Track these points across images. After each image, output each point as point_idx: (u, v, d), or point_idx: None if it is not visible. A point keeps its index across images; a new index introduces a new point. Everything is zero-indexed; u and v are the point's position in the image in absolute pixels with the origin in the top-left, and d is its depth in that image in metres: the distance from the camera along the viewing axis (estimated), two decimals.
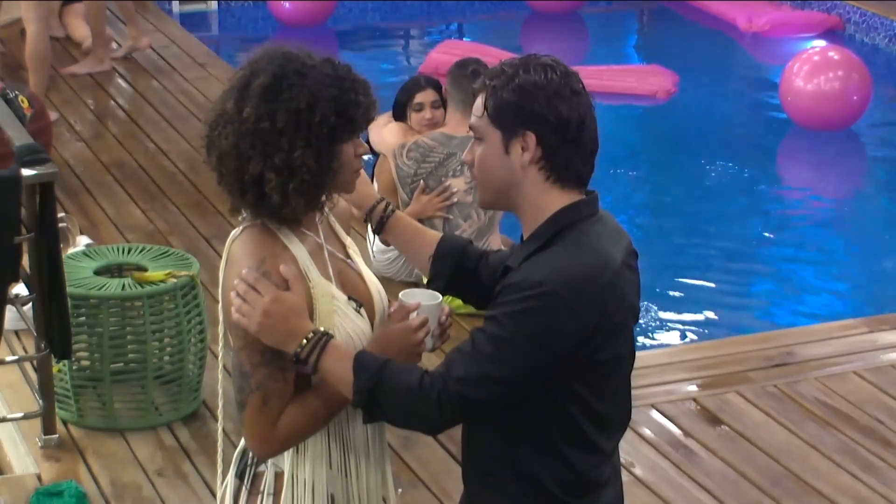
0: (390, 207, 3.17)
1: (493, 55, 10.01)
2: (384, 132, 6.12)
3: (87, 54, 9.56)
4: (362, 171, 3.10)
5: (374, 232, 3.22)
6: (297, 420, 2.89)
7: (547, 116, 2.83)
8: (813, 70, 9.14)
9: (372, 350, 2.90)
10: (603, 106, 9.48)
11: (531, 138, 2.85)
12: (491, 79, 2.89)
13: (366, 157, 3.02)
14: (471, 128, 2.94)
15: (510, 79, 2.86)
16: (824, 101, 9.07)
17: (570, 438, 2.89)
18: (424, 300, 2.96)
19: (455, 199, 5.96)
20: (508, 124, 2.85)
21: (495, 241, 6.05)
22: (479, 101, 2.91)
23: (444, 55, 10.14)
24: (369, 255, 6.06)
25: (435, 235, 3.17)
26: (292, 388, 2.90)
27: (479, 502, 3.02)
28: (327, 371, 2.84)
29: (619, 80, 9.99)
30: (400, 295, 2.99)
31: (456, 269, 3.10)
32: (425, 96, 6.25)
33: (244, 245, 2.91)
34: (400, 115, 6.27)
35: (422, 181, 5.97)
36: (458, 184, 5.96)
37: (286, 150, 2.84)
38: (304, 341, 2.83)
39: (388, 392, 2.80)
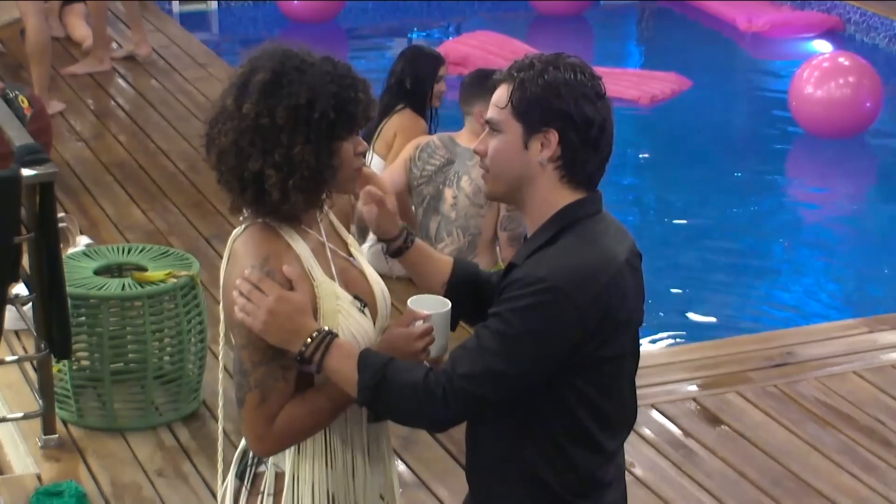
0: (411, 239, 3.14)
1: (508, 47, 10.02)
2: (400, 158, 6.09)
3: (87, 54, 9.57)
4: (395, 204, 3.08)
5: (388, 254, 3.16)
6: (296, 418, 2.89)
7: (572, 115, 2.84)
8: (823, 77, 9.06)
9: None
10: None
11: (553, 136, 2.85)
12: (518, 71, 2.88)
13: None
14: (488, 120, 2.92)
15: (539, 74, 2.85)
16: (836, 108, 9.01)
17: (574, 438, 2.89)
18: (433, 308, 2.95)
19: None
20: (532, 119, 2.85)
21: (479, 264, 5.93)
22: (503, 92, 2.89)
23: (460, 45, 10.20)
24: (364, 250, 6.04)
25: (448, 261, 3.15)
26: (292, 386, 2.89)
27: (483, 501, 3.02)
28: (332, 370, 2.84)
29: (610, 84, 9.96)
30: (409, 302, 2.98)
31: (474, 294, 3.08)
32: (444, 69, 6.30)
33: (247, 243, 2.91)
34: (420, 92, 6.16)
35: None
36: (448, 195, 5.93)
37: (285, 146, 2.83)
38: (309, 340, 2.82)
39: (392, 389, 2.80)
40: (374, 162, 6.23)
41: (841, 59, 9.32)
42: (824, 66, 9.21)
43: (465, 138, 5.93)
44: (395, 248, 3.10)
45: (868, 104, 9.07)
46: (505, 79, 2.90)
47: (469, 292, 3.05)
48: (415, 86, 6.20)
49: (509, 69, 2.91)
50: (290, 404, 2.88)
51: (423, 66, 6.17)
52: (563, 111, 2.83)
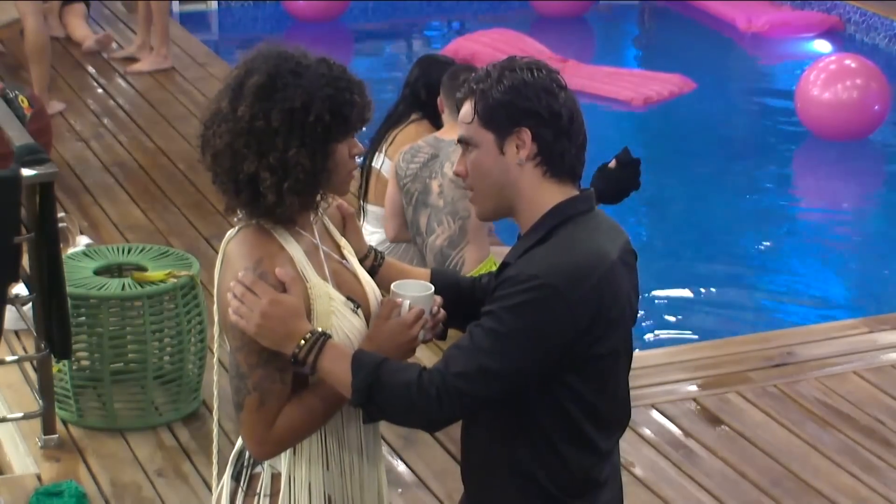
0: (381, 256, 3.19)
1: (520, 45, 10.03)
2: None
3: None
4: (357, 225, 3.14)
5: None
6: (294, 420, 2.89)
7: (539, 111, 2.86)
8: (831, 79, 9.00)
9: (367, 347, 2.89)
10: (605, 108, 9.52)
11: (526, 134, 2.86)
12: (477, 83, 2.91)
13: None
14: (460, 139, 2.94)
15: (498, 80, 2.88)
16: (843, 110, 8.97)
17: (568, 437, 2.89)
18: (416, 292, 2.96)
19: None
20: (501, 124, 2.87)
21: (469, 255, 5.92)
22: (468, 108, 2.92)
23: (470, 42, 10.22)
24: None
25: (424, 273, 3.16)
26: (289, 388, 2.90)
27: (477, 501, 3.03)
28: (325, 371, 2.84)
29: (603, 83, 9.92)
30: (392, 286, 2.98)
31: (454, 301, 3.07)
32: None
33: (240, 245, 2.91)
34: (435, 100, 6.14)
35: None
36: (434, 185, 5.95)
37: (281, 149, 2.84)
38: (302, 342, 2.82)
39: (386, 389, 2.80)
40: (385, 167, 6.24)
41: (848, 62, 9.25)
42: (832, 68, 9.15)
43: (446, 132, 5.95)
44: (366, 267, 3.12)
45: (876, 107, 9.02)
46: (466, 95, 2.93)
47: (450, 299, 3.05)
48: (429, 95, 6.20)
49: (468, 84, 2.93)
50: (287, 406, 2.89)
51: (437, 74, 6.17)
52: (530, 109, 2.86)
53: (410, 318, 2.91)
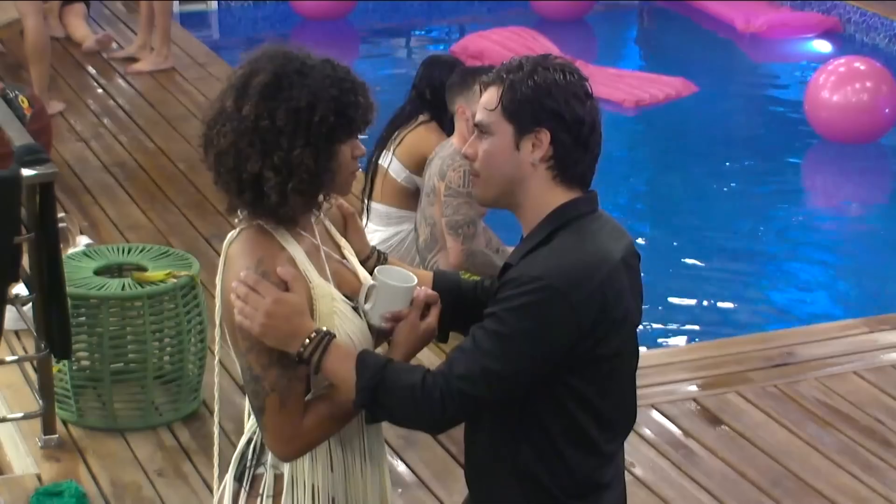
0: (383, 257, 3.19)
1: (533, 44, 10.02)
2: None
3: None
4: (359, 224, 3.14)
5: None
6: (323, 418, 2.88)
7: (563, 115, 2.84)
8: (840, 81, 8.93)
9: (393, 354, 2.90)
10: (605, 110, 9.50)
11: (545, 136, 2.85)
12: (507, 73, 2.88)
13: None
14: (477, 124, 2.92)
15: (529, 75, 2.86)
16: (854, 113, 8.91)
17: (571, 439, 2.89)
18: (398, 280, 2.95)
19: None
20: (523, 120, 2.85)
21: (443, 261, 5.91)
22: (493, 94, 2.89)
23: (481, 39, 10.21)
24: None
25: (426, 275, 3.16)
26: (305, 384, 2.89)
27: (481, 502, 3.02)
28: (330, 371, 2.84)
29: (602, 84, 9.90)
30: (375, 270, 2.98)
31: (456, 303, 3.07)
32: None
33: (241, 246, 2.91)
34: (439, 100, 6.13)
35: None
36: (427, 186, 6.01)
37: (285, 148, 2.83)
38: (307, 341, 2.82)
39: (390, 391, 2.80)
40: (392, 166, 6.25)
41: (858, 64, 9.16)
42: (841, 70, 9.08)
43: (455, 139, 5.96)
44: (369, 267, 3.12)
45: (886, 110, 8.97)
46: (493, 81, 2.90)
47: (451, 302, 3.04)
48: (434, 95, 6.22)
49: (497, 71, 2.91)
50: (314, 403, 2.88)
51: (439, 74, 6.19)
52: (555, 111, 2.84)
53: (425, 322, 2.93)
